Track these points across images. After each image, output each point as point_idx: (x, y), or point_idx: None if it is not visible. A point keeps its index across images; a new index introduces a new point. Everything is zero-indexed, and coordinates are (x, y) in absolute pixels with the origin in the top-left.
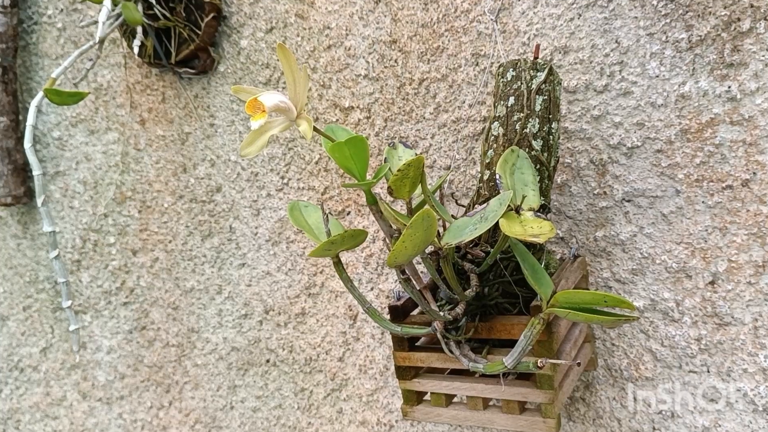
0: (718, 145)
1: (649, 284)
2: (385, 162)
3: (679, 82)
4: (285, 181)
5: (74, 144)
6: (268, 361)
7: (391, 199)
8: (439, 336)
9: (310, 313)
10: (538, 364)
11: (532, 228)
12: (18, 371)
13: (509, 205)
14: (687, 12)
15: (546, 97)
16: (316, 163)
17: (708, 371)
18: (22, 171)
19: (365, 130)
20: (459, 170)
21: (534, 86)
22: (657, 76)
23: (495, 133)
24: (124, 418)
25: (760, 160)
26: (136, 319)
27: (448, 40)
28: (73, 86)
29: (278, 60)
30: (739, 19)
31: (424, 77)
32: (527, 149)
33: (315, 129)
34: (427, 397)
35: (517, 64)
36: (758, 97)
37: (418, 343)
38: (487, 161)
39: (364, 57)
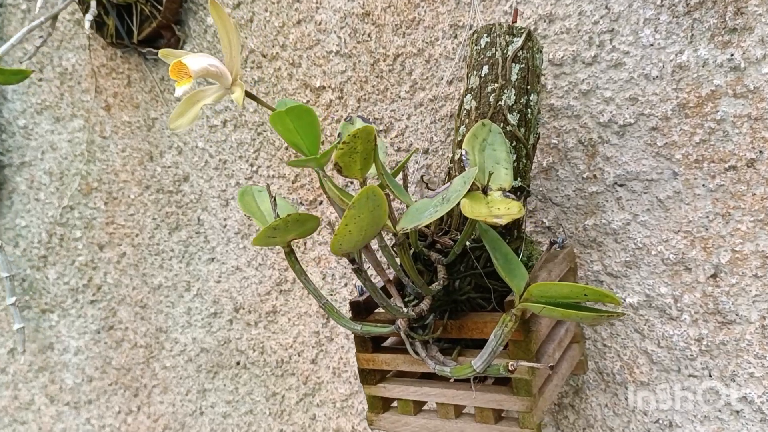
0: (720, 121)
1: (644, 278)
2: (338, 137)
3: (676, 51)
4: (254, 168)
5: (40, 132)
6: (238, 363)
7: (346, 180)
8: (402, 335)
9: (282, 312)
10: (509, 368)
11: (498, 209)
12: None
13: (475, 184)
14: None
15: (523, 65)
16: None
17: (710, 375)
18: None
19: (338, 111)
20: (437, 153)
21: (510, 53)
22: (651, 45)
23: (467, 107)
24: (92, 424)
25: (767, 137)
26: (104, 318)
27: (425, 11)
28: (17, 64)
29: (246, 37)
30: None
31: (399, 52)
32: (502, 124)
33: (250, 95)
34: (395, 403)
35: (491, 29)
36: (765, 66)
37: (385, 344)
38: (459, 138)
39: (335, 32)
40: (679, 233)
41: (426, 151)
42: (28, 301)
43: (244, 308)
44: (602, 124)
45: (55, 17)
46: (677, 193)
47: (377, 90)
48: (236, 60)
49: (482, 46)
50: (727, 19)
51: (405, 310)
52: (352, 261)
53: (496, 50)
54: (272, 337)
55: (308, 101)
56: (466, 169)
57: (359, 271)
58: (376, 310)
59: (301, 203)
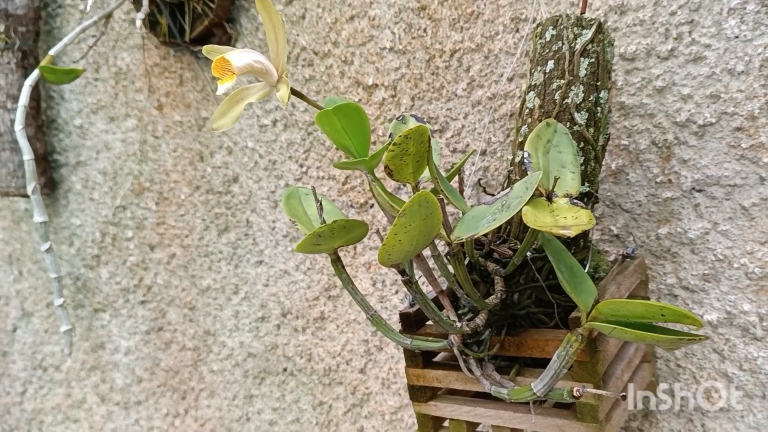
0: None
1: (725, 293)
2: (389, 138)
3: (765, 44)
4: (304, 169)
5: (95, 132)
6: (285, 369)
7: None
8: (456, 352)
9: (330, 318)
10: (575, 393)
11: (565, 219)
12: (42, 370)
13: (539, 190)
14: None
15: (593, 59)
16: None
17: (748, 400)
18: (43, 160)
19: (390, 110)
20: (495, 155)
21: (578, 47)
22: (737, 37)
23: (530, 105)
24: (141, 425)
25: None
26: (153, 319)
27: (484, 4)
28: (72, 63)
29: (297, 35)
30: None
31: (457, 48)
32: (569, 123)
33: (296, 93)
34: (447, 423)
35: (557, 21)
36: None
37: (436, 359)
38: (520, 139)
39: (389, 27)
40: (766, 245)
41: (483, 153)
42: (81, 300)
43: (291, 313)
44: (679, 123)
45: (108, 16)
46: (764, 201)
47: (432, 88)
48: (282, 56)
49: (547, 39)
50: None
51: (459, 324)
52: (402, 272)
53: (563, 43)
54: (320, 344)
55: (360, 100)
56: (529, 173)
57: (409, 283)
58: (427, 323)
59: (351, 206)
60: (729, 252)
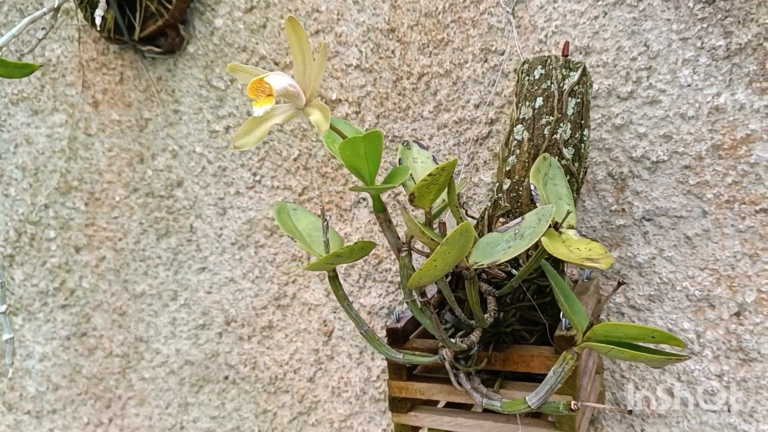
0: (754, 164)
1: (668, 312)
2: (399, 163)
3: (714, 93)
4: (257, 178)
5: (14, 124)
6: (226, 377)
7: (411, 208)
8: (447, 366)
9: (279, 327)
10: (572, 407)
11: (578, 250)
12: None
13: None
14: (726, 17)
15: (579, 99)
16: (295, 159)
17: (729, 410)
18: None
19: (354, 125)
20: (458, 177)
21: (566, 87)
22: (689, 85)
23: (518, 138)
24: None
25: None
26: (76, 324)
27: (454, 33)
28: (18, 59)
29: (257, 44)
30: None
31: (425, 71)
32: (557, 157)
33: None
34: None
35: (546, 61)
36: None
37: (416, 372)
38: (507, 168)
39: (356, 45)
40: (705, 270)
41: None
42: None
43: (236, 321)
44: (634, 158)
45: (57, 10)
46: (706, 232)
47: (398, 107)
48: (314, 80)
49: (536, 77)
50: (766, 66)
51: (456, 341)
52: (422, 294)
53: (551, 83)
54: (266, 353)
55: None
56: (537, 204)
57: (427, 304)
58: (411, 337)
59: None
60: (672, 276)
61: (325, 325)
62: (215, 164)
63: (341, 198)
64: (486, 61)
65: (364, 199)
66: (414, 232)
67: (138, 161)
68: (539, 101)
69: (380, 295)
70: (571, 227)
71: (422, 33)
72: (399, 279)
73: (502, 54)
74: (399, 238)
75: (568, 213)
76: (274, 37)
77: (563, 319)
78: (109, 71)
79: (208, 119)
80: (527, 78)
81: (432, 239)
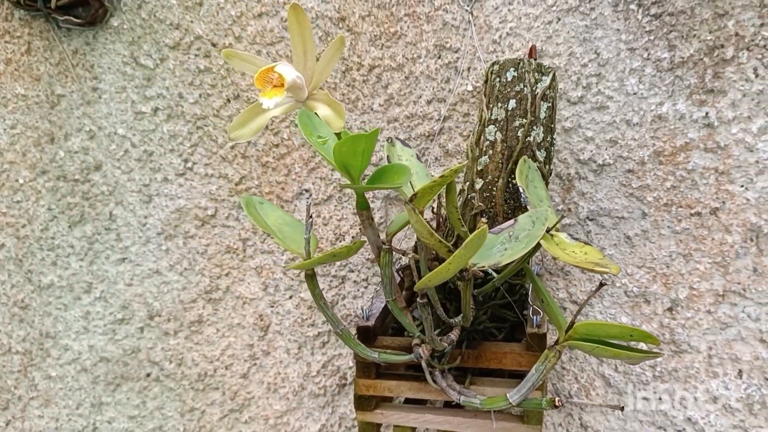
0: (690, 171)
1: (607, 307)
2: (388, 161)
3: (657, 103)
4: (189, 164)
5: None
6: (148, 375)
7: (413, 206)
8: (424, 364)
9: (209, 322)
10: (556, 403)
11: (575, 254)
12: None
13: None
14: (671, 31)
15: (550, 104)
16: (232, 147)
17: (660, 399)
18: None
19: (245, 109)
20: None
21: (539, 91)
22: (635, 94)
23: (491, 138)
24: None
25: (730, 190)
26: None
27: (408, 27)
28: None
29: (192, 22)
30: (722, 46)
31: (376, 64)
32: (530, 160)
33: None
34: (385, 429)
35: (519, 64)
36: (734, 127)
37: (381, 369)
38: (479, 168)
39: None
40: (643, 268)
41: None
42: None
43: (161, 316)
44: (581, 161)
45: None
46: (644, 232)
47: (347, 99)
48: (317, 75)
49: (508, 79)
50: (706, 80)
51: (437, 339)
52: (424, 295)
53: (524, 86)
54: (195, 348)
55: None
56: (529, 208)
57: (426, 306)
58: (380, 336)
59: (242, 207)
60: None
61: (262, 320)
62: (140, 148)
63: (282, 189)
64: (440, 57)
65: (306, 190)
66: (422, 235)
67: (47, 141)
68: (512, 103)
69: (323, 289)
70: (556, 230)
71: (374, 24)
72: (343, 273)
73: (457, 52)
74: (379, 236)
75: (562, 217)
76: (212, 16)
77: (534, 317)
78: (13, 39)
79: (132, 99)
80: (498, 79)
81: (440, 241)
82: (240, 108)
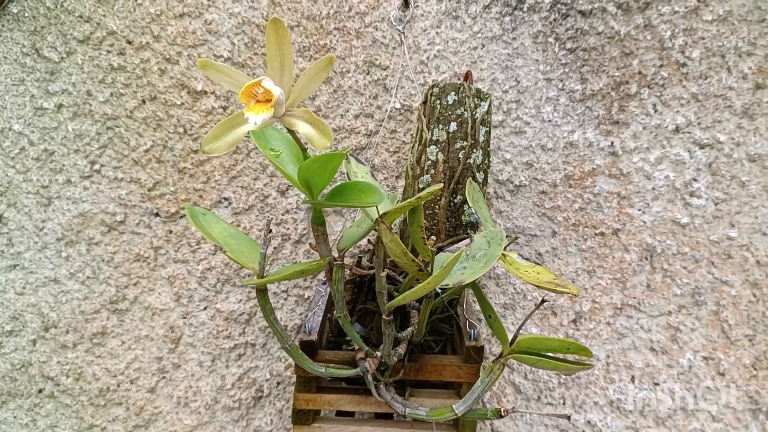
0: (596, 194)
1: (519, 319)
2: (348, 178)
3: (569, 130)
4: (96, 167)
5: None
6: (41, 391)
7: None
8: (369, 378)
9: (114, 334)
10: (502, 413)
11: (528, 273)
12: None
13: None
14: (584, 66)
15: (488, 128)
16: (146, 150)
17: (564, 403)
18: None
19: (219, 120)
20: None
21: (478, 116)
22: (549, 121)
23: (432, 158)
24: None
25: (629, 213)
26: None
27: (337, 40)
28: None
29: (104, 16)
30: (627, 82)
31: None
32: (471, 181)
33: (292, 133)
34: None
35: (459, 88)
36: (635, 156)
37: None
38: (421, 186)
39: (228, 36)
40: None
41: None
42: None
43: (58, 327)
44: (499, 181)
45: None
46: (554, 249)
47: None
48: (298, 90)
49: (449, 102)
50: (612, 112)
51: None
52: (390, 314)
53: (465, 110)
54: (96, 362)
55: (183, 104)
56: (481, 228)
57: (390, 324)
58: (320, 351)
59: (156, 214)
60: (524, 287)
61: (173, 332)
62: (39, 146)
63: (200, 197)
64: (368, 73)
65: (226, 198)
66: (396, 254)
67: None
68: (453, 126)
69: (239, 300)
70: (510, 251)
71: (303, 35)
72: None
73: (386, 69)
74: (331, 251)
75: (516, 238)
76: (128, 12)
77: (471, 330)
78: None
79: (32, 93)
80: (438, 101)
81: (413, 260)
82: (156, 110)
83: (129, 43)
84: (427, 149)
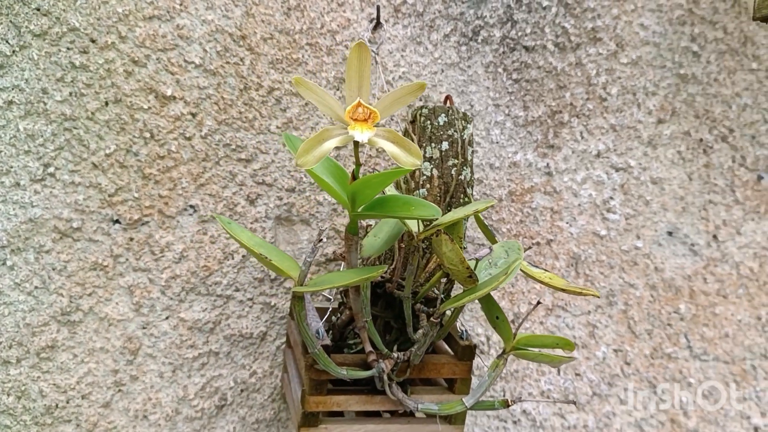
0: (534, 209)
1: (467, 320)
2: (383, 192)
3: (513, 151)
4: (50, 170)
5: None
6: None
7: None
8: (384, 378)
9: (64, 347)
10: (509, 403)
11: (546, 277)
12: None
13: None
14: (526, 95)
15: (474, 149)
16: (108, 155)
17: (503, 394)
18: None
19: (188, 127)
20: (303, 194)
21: (466, 137)
22: (497, 143)
23: (427, 174)
24: None
25: (560, 226)
26: None
27: (309, 56)
28: None
29: (65, 11)
30: (561, 112)
31: (275, 87)
32: (462, 195)
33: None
34: None
35: (448, 111)
36: (565, 176)
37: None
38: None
39: (200, 43)
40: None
41: (292, 190)
42: None
43: None
44: None
45: None
46: None
47: (244, 117)
48: (380, 109)
49: (440, 123)
50: (548, 137)
51: (397, 355)
52: (439, 317)
53: (455, 131)
54: (43, 378)
55: (150, 108)
56: (497, 238)
57: (436, 325)
58: (333, 354)
59: (117, 221)
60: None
61: (131, 342)
62: None
63: (165, 204)
64: (339, 89)
65: (192, 206)
66: (453, 262)
67: None
68: (445, 145)
69: (204, 309)
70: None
71: (276, 48)
72: (229, 293)
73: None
74: (360, 259)
75: (530, 247)
76: (92, 9)
77: (462, 330)
78: None
79: None
80: (429, 122)
81: (467, 269)
82: (120, 113)
83: (92, 41)
84: (422, 165)
